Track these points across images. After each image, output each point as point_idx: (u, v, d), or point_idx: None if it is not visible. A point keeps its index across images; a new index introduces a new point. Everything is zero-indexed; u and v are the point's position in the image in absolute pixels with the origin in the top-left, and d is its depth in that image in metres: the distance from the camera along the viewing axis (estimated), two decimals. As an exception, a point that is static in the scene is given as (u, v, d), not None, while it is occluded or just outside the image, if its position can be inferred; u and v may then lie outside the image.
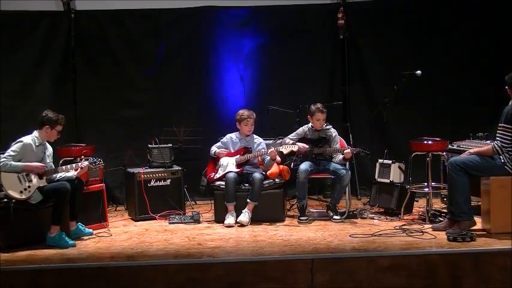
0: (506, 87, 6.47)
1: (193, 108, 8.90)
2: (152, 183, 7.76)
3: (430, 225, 6.82)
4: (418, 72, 7.86)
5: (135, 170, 7.82)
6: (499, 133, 6.39)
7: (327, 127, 7.60)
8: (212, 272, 5.64)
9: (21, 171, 6.46)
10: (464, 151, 6.92)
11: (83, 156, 7.01)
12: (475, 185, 6.55)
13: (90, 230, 6.95)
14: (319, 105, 7.52)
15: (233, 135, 7.78)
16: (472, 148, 6.78)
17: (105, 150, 8.02)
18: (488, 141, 7.00)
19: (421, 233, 6.55)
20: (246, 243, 6.48)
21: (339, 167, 7.41)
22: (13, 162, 6.44)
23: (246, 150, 7.65)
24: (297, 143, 7.49)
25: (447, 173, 6.59)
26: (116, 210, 8.40)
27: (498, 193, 6.39)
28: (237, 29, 8.90)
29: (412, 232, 6.61)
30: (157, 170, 7.84)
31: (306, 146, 7.50)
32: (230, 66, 8.96)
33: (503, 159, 6.36)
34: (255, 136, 7.78)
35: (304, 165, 7.39)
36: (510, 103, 6.40)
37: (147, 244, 6.57)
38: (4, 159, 6.44)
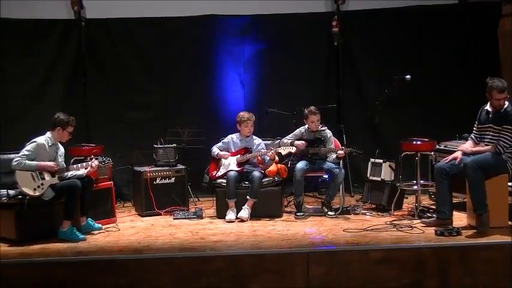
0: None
1: (196, 110, 8.97)
2: (158, 181, 7.88)
3: (419, 221, 6.95)
4: (408, 77, 8.03)
5: (142, 169, 7.95)
6: (503, 134, 6.46)
7: (322, 128, 7.74)
8: (214, 264, 5.79)
9: (35, 170, 6.60)
10: (451, 151, 7.01)
11: (92, 156, 7.15)
12: (460, 182, 6.64)
13: (100, 225, 7.09)
14: (311, 108, 7.64)
15: (234, 136, 7.90)
16: (459, 147, 6.83)
17: (113, 150, 8.08)
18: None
19: (411, 228, 6.71)
20: (246, 238, 6.64)
21: (333, 165, 7.56)
22: (27, 161, 6.59)
23: (247, 150, 7.78)
24: (295, 142, 7.61)
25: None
26: (123, 206, 8.49)
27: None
28: (238, 36, 9.03)
29: (402, 227, 6.76)
30: (163, 168, 7.96)
31: (304, 142, 7.63)
32: (231, 71, 9.08)
33: (505, 158, 6.45)
34: (254, 137, 7.90)
35: (301, 164, 7.55)
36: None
37: (153, 238, 6.73)
38: (19, 158, 6.59)
